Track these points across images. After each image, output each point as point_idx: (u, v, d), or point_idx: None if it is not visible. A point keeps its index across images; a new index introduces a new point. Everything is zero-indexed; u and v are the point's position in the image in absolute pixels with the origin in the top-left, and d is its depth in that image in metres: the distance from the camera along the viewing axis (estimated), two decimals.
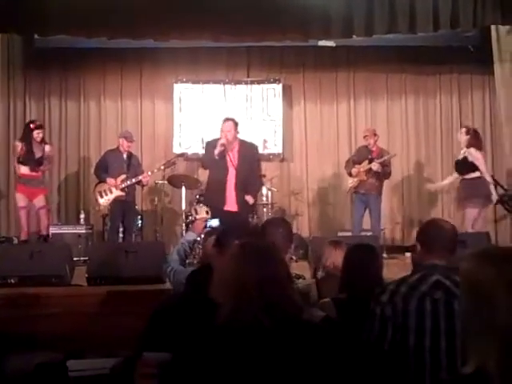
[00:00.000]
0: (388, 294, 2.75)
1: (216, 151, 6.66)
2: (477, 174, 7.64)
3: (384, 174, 8.35)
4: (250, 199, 6.85)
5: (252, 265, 2.00)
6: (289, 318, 1.97)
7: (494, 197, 7.61)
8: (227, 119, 6.99)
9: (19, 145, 8.03)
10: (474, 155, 7.65)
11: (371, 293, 2.86)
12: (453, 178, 8.15)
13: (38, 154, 7.99)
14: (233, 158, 6.76)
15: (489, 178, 7.64)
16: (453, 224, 3.00)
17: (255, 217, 8.25)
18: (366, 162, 8.27)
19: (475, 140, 7.81)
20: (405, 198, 9.92)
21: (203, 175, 9.42)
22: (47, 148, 8.16)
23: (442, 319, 2.66)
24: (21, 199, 7.99)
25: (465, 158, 7.71)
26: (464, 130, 7.99)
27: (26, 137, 8.04)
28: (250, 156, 6.92)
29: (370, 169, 8.19)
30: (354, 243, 3.83)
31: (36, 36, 9.00)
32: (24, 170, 7.95)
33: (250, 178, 6.86)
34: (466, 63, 9.76)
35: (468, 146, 7.76)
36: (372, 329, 2.76)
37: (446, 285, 2.69)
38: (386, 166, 8.33)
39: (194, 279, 2.38)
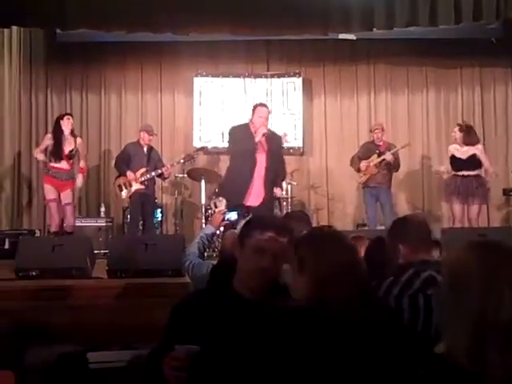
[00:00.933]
0: (382, 292, 2.75)
1: (257, 139, 6.31)
2: (478, 171, 7.82)
3: (394, 165, 8.35)
4: (278, 192, 6.75)
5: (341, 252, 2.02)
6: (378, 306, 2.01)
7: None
8: (262, 104, 6.69)
9: (49, 136, 8.01)
10: (482, 151, 7.74)
11: None
12: (448, 169, 8.15)
13: (67, 147, 7.88)
14: (262, 148, 6.44)
15: (492, 173, 7.86)
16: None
17: (279, 210, 8.22)
18: (375, 155, 8.24)
19: (468, 136, 7.88)
20: (425, 191, 9.85)
21: (223, 169, 9.45)
22: (78, 140, 8.08)
23: (435, 314, 2.61)
24: (50, 191, 7.86)
25: (474, 155, 7.72)
26: (457, 127, 8.06)
27: (55, 129, 7.99)
28: (276, 146, 6.66)
29: (382, 160, 8.17)
30: (374, 238, 3.79)
31: (57, 30, 9.08)
32: (54, 162, 7.85)
33: (278, 170, 6.65)
34: (489, 56, 9.64)
35: (464, 143, 7.83)
36: None
37: (439, 280, 2.67)
38: (396, 158, 8.34)
39: (216, 273, 2.38)
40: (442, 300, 1.50)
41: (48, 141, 7.96)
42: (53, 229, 7.95)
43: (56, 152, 7.84)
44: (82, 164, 8.14)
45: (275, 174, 6.58)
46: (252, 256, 2.23)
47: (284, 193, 8.82)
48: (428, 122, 9.97)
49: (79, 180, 8.08)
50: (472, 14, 7.52)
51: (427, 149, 9.80)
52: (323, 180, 9.83)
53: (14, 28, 9.09)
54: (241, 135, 6.48)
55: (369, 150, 8.40)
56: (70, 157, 7.91)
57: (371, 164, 8.22)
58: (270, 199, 6.59)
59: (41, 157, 8.04)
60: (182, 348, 2.09)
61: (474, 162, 7.80)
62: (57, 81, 9.86)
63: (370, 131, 8.60)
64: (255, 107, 6.66)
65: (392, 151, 8.26)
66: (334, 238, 2.13)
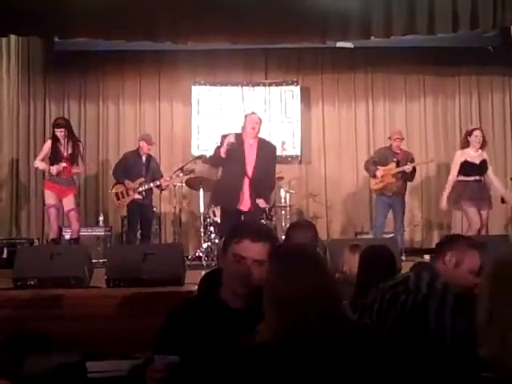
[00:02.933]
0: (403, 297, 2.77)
1: (223, 149, 6.55)
2: (483, 176, 7.80)
3: (411, 177, 8.39)
4: (261, 203, 6.69)
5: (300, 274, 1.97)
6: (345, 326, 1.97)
7: None
8: (253, 113, 7.01)
9: (47, 143, 7.95)
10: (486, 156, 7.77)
11: None
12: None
13: (65, 152, 7.76)
14: (251, 155, 6.61)
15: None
16: None
17: (269, 219, 8.16)
18: (393, 164, 8.22)
19: (464, 140, 7.94)
20: (424, 199, 9.86)
21: None
22: (80, 145, 7.98)
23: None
24: (50, 197, 7.74)
25: (485, 160, 7.73)
26: (479, 132, 7.98)
27: (52, 135, 7.92)
28: (267, 155, 6.76)
29: (403, 171, 8.16)
30: (368, 245, 3.79)
31: (56, 39, 9.09)
32: (54, 167, 7.70)
33: (265, 180, 6.69)
34: (486, 64, 9.68)
35: (481, 148, 7.83)
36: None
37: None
38: (413, 169, 8.36)
39: (206, 281, 2.39)
40: (492, 299, 1.47)
41: (47, 147, 7.92)
42: (52, 236, 7.86)
43: (54, 154, 7.75)
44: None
45: (260, 184, 6.63)
46: (232, 264, 2.26)
47: (283, 201, 8.84)
48: (426, 130, 9.99)
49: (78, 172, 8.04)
50: (469, 23, 7.57)
51: (425, 157, 9.80)
52: (321, 188, 9.83)
53: (13, 37, 9.12)
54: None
55: (386, 156, 8.35)
56: (71, 161, 7.78)
57: (390, 172, 8.20)
58: (255, 209, 6.64)
59: (41, 165, 7.94)
60: (161, 359, 2.10)
61: (485, 166, 7.80)
62: (55, 89, 9.86)
63: (389, 138, 8.52)
64: (245, 116, 6.96)
65: (413, 164, 8.26)
66: (299, 257, 2.09)
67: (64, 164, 7.66)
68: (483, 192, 7.74)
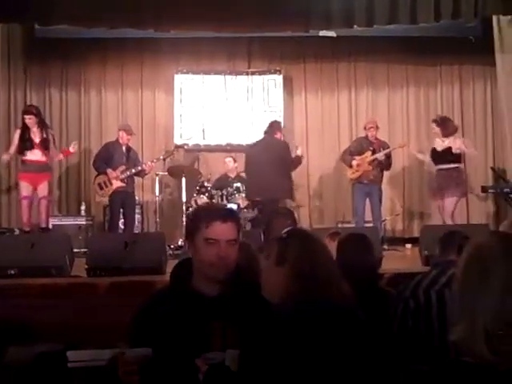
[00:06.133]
0: (410, 289, 3.03)
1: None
2: (456, 164, 7.89)
3: (386, 165, 8.43)
4: None
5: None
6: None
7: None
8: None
9: (16, 133, 7.94)
10: (459, 146, 7.84)
11: (365, 283, 2.93)
12: (426, 159, 8.44)
13: (37, 138, 7.79)
14: None
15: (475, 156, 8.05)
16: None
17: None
18: (369, 152, 8.27)
19: (444, 128, 8.02)
20: (406, 189, 9.91)
21: (204, 166, 9.46)
22: (49, 130, 8.03)
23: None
24: (24, 188, 7.78)
25: (449, 148, 7.82)
26: (434, 124, 8.20)
27: (22, 123, 7.93)
28: None
29: (375, 159, 8.21)
30: (346, 234, 3.81)
31: (36, 26, 8.99)
32: (28, 155, 7.75)
33: None
34: (468, 54, 9.70)
35: (444, 136, 7.97)
36: (395, 320, 3.01)
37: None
38: (388, 157, 8.38)
39: (177, 271, 2.39)
40: (463, 285, 1.49)
41: (16, 137, 7.87)
42: (24, 227, 7.88)
43: (25, 142, 7.75)
44: (71, 150, 8.17)
45: None
46: (205, 249, 2.23)
47: None
48: (408, 118, 10.04)
49: (56, 159, 8.15)
50: (451, 13, 7.58)
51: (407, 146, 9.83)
52: (304, 177, 9.84)
53: None
54: None
55: (362, 145, 8.42)
56: (44, 147, 7.80)
57: (365, 160, 8.25)
58: None
59: (6, 156, 7.96)
60: (132, 352, 2.11)
61: (448, 155, 7.88)
62: (36, 77, 9.76)
63: (364, 128, 8.59)
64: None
65: (386, 151, 8.32)
66: (316, 237, 2.27)
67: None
68: (445, 181, 7.85)
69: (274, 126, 8.00)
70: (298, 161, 7.94)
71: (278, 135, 7.94)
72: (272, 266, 2.13)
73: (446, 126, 8.04)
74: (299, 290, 2.02)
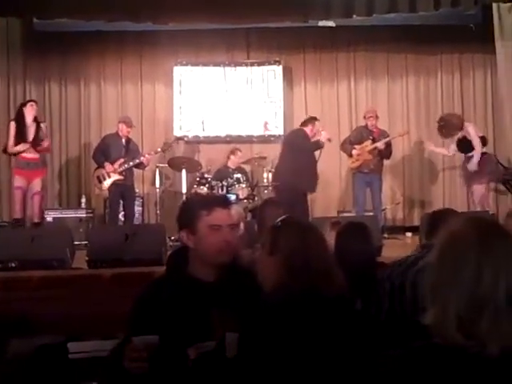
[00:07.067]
0: (388, 271, 3.03)
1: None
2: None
3: (386, 153, 8.43)
4: None
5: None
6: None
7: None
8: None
9: (13, 124, 7.94)
10: (470, 132, 7.74)
11: (363, 272, 2.93)
12: (448, 152, 8.41)
13: (31, 134, 7.84)
14: None
15: (478, 151, 7.80)
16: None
17: (252, 199, 8.26)
18: (369, 141, 8.27)
19: (446, 129, 8.08)
20: (406, 177, 9.90)
21: (204, 158, 9.46)
22: (43, 126, 8.07)
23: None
24: (18, 180, 7.88)
25: (464, 137, 7.77)
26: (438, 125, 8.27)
27: (17, 117, 7.95)
28: None
29: (375, 148, 8.21)
30: (344, 223, 3.81)
31: (35, 19, 8.98)
32: (22, 152, 7.80)
33: None
34: (468, 42, 9.66)
35: (444, 137, 8.17)
36: (371, 303, 2.98)
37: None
38: (388, 145, 8.37)
39: (173, 260, 2.40)
40: (436, 268, 1.49)
41: (12, 128, 7.89)
42: (15, 216, 7.96)
43: (20, 138, 7.79)
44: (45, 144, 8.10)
45: None
46: (209, 236, 2.27)
47: (265, 181, 8.85)
48: (408, 107, 10.01)
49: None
50: (451, 1, 7.55)
51: (407, 135, 9.82)
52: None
53: None
54: None
55: (362, 135, 8.43)
56: (37, 144, 7.85)
57: (365, 150, 8.24)
58: None
59: (19, 148, 7.94)
60: (140, 339, 2.10)
61: (464, 144, 7.90)
62: (35, 71, 9.74)
63: (364, 117, 8.61)
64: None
65: (386, 139, 8.33)
66: (310, 227, 2.24)
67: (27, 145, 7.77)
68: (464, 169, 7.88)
69: (305, 120, 8.20)
70: (315, 145, 7.87)
71: (309, 128, 7.94)
72: (265, 255, 2.12)
73: (446, 125, 8.00)
74: (290, 280, 2.01)
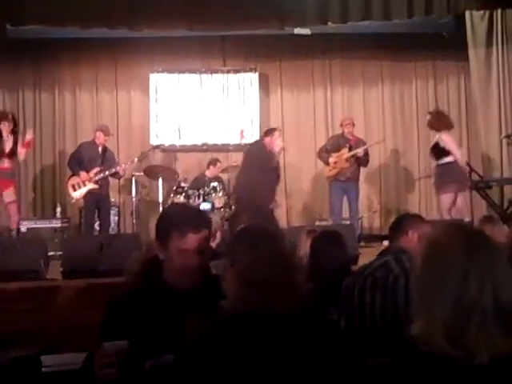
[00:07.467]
0: (352, 277, 3.08)
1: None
2: (450, 158, 7.58)
3: (364, 161, 8.44)
4: None
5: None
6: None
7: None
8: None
9: None
10: (444, 139, 7.66)
11: (338, 280, 2.93)
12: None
13: (7, 148, 7.77)
14: None
15: (461, 160, 7.65)
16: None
17: (229, 208, 8.21)
18: (346, 149, 8.28)
19: (436, 121, 7.84)
20: (382, 186, 9.95)
21: (180, 166, 9.42)
22: (28, 135, 8.00)
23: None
24: None
25: (436, 144, 7.71)
26: (428, 115, 8.09)
27: None
28: None
29: (354, 155, 8.21)
30: (319, 231, 3.81)
31: (8, 26, 8.86)
32: None
33: None
34: (442, 50, 9.75)
35: (430, 128, 7.91)
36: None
37: (391, 265, 2.95)
38: (366, 154, 8.40)
39: (146, 268, 2.39)
40: (421, 278, 1.48)
41: None
42: None
43: None
44: (28, 137, 7.99)
45: None
46: (177, 257, 2.28)
47: None
48: (384, 115, 10.08)
49: (22, 156, 7.96)
50: (424, 9, 7.64)
51: (383, 142, 9.87)
52: (281, 175, 9.80)
53: None
54: None
55: (338, 143, 8.42)
56: (11, 154, 7.80)
57: (343, 157, 8.24)
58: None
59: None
60: (110, 345, 2.07)
61: (436, 151, 7.72)
62: (8, 79, 9.60)
63: (341, 125, 8.61)
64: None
65: (365, 147, 8.32)
66: (266, 237, 2.11)
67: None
68: (440, 177, 7.70)
69: (266, 131, 8.08)
70: (270, 157, 7.70)
71: (267, 139, 7.77)
72: (228, 265, 2.06)
73: (438, 120, 7.92)
74: (244, 294, 1.94)
